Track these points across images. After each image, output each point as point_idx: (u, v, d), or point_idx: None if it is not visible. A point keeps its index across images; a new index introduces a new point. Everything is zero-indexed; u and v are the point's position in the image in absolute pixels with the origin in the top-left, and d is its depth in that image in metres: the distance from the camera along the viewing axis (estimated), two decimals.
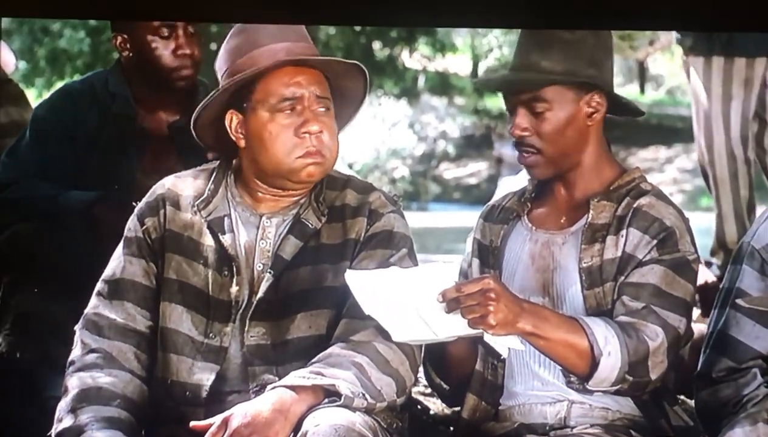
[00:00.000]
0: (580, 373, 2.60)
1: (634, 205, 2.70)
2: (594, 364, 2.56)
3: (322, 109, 2.66)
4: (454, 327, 2.48)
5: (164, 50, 3.43)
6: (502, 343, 2.51)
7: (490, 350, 2.75)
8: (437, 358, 2.79)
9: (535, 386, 2.72)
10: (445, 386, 2.86)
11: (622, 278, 2.66)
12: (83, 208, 3.37)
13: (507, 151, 14.65)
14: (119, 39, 3.47)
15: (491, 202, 2.95)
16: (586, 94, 2.73)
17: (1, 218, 3.49)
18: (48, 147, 3.49)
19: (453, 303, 2.46)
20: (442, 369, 2.84)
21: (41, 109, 3.62)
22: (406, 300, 2.47)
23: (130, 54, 3.48)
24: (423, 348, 2.65)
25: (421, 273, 2.51)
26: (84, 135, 3.50)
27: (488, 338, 2.50)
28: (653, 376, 2.60)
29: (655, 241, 2.66)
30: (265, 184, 2.70)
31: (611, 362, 2.56)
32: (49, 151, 3.49)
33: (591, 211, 2.72)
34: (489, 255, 2.83)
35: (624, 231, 2.68)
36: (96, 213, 3.36)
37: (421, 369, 2.92)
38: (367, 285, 2.49)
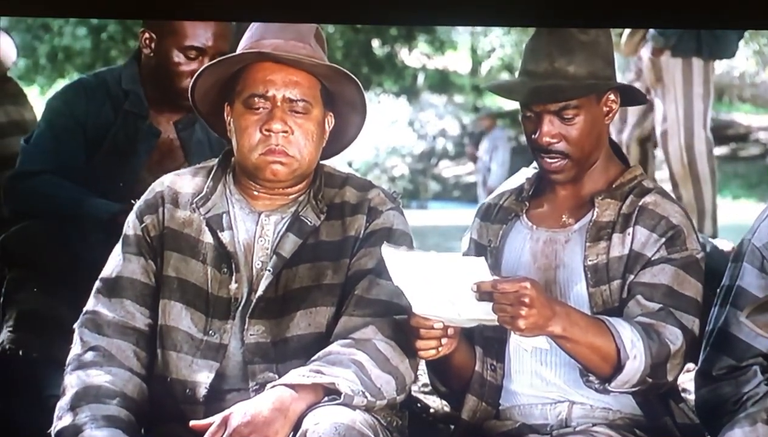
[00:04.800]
0: (602, 375, 2.59)
1: (640, 203, 2.70)
2: (619, 367, 2.56)
3: (297, 111, 2.64)
4: (478, 312, 2.47)
5: (184, 68, 3.40)
6: (529, 342, 2.52)
7: (489, 351, 2.75)
8: (437, 363, 2.77)
9: (536, 385, 2.72)
10: (444, 389, 2.86)
11: (632, 276, 2.66)
12: (108, 217, 3.35)
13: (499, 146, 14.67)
14: (146, 35, 3.45)
15: (487, 200, 2.93)
16: (604, 94, 2.73)
17: (24, 206, 3.49)
18: (61, 136, 3.49)
19: (486, 296, 2.46)
20: (442, 375, 2.83)
21: (55, 99, 3.62)
22: (437, 281, 2.46)
23: (152, 54, 3.46)
24: None
25: (458, 262, 2.50)
26: (94, 128, 3.49)
27: (515, 336, 2.50)
28: (670, 378, 2.61)
29: (663, 239, 2.66)
30: (251, 180, 2.69)
31: (635, 365, 2.56)
32: (62, 141, 3.49)
33: (596, 209, 2.72)
34: (487, 255, 2.82)
35: (631, 230, 2.68)
36: (119, 224, 3.36)
37: (422, 368, 2.91)
38: (403, 261, 2.49)
